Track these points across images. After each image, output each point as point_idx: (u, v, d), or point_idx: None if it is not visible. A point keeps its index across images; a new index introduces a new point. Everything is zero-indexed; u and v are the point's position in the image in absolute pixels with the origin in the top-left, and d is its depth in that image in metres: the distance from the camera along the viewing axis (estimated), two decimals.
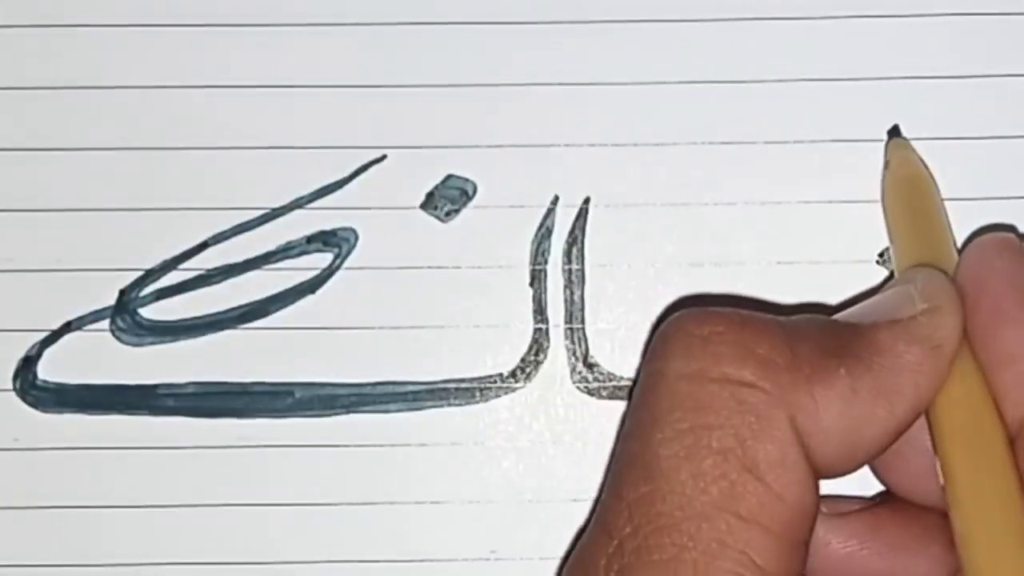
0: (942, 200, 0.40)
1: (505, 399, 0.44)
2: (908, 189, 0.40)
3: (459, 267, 0.44)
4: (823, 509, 0.36)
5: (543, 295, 0.44)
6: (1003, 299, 0.35)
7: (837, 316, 0.35)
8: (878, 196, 0.43)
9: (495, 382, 0.44)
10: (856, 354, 0.34)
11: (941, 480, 0.34)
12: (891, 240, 0.39)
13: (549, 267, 0.44)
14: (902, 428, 0.34)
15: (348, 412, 0.43)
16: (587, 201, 0.44)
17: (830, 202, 0.44)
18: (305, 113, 0.44)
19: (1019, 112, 0.44)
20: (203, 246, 0.44)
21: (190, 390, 0.43)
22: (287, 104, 0.44)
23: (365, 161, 0.44)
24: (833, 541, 0.37)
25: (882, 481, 0.37)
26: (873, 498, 0.38)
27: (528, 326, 0.43)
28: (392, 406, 0.43)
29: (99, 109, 0.44)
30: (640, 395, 0.34)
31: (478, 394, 0.44)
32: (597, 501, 0.34)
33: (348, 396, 0.43)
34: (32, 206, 0.44)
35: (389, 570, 0.43)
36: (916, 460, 0.36)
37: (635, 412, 0.34)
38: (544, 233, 0.44)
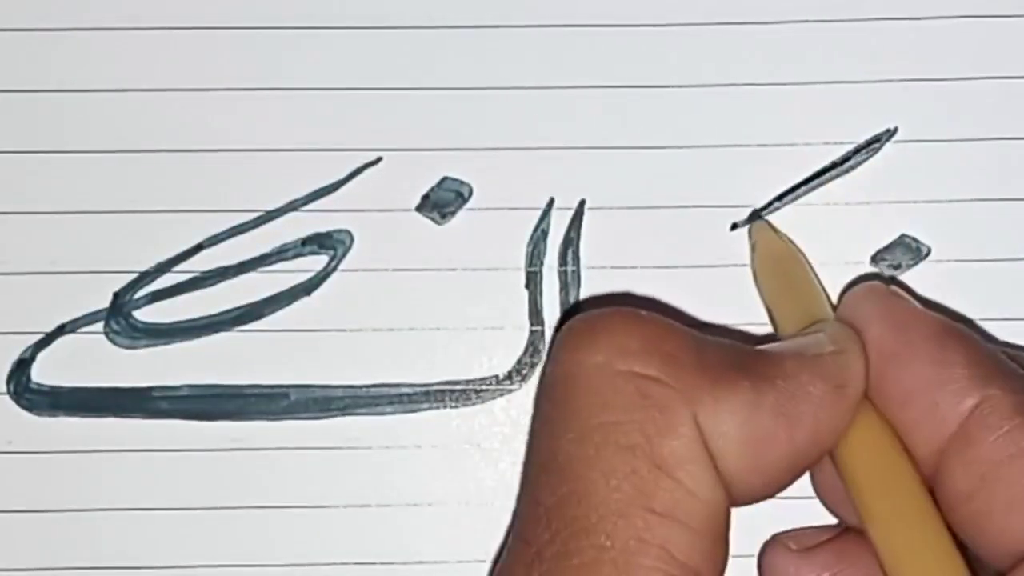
0: (811, 268, 0.41)
1: (501, 401, 0.43)
2: (777, 264, 0.41)
3: (454, 269, 0.44)
4: (791, 545, 0.36)
5: (539, 297, 0.44)
6: (887, 342, 0.35)
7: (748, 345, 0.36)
8: (873, 199, 0.43)
9: (491, 384, 0.43)
10: (762, 373, 0.34)
11: (861, 521, 0.34)
12: (768, 310, 0.40)
13: (545, 269, 0.44)
14: (802, 461, 0.34)
15: (344, 414, 0.43)
16: (582, 203, 0.44)
17: (824, 204, 0.43)
18: (300, 115, 0.44)
19: (1019, 112, 0.44)
20: (198, 248, 0.44)
21: (185, 393, 0.43)
22: (282, 106, 0.44)
23: (360, 163, 0.44)
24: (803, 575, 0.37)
25: (835, 515, 0.38)
26: (837, 526, 0.38)
27: (524, 328, 0.43)
28: (388, 408, 0.43)
29: (94, 112, 0.44)
30: (547, 391, 0.34)
31: (474, 396, 0.43)
32: (515, 510, 0.34)
33: (344, 398, 0.43)
34: (26, 208, 0.44)
35: (385, 572, 0.43)
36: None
37: (543, 410, 0.34)
38: (540, 235, 0.44)
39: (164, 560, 0.43)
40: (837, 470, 0.35)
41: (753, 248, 0.42)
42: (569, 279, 0.44)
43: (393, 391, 0.43)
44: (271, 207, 0.44)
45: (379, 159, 0.44)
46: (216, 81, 0.44)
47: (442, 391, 0.43)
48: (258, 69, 0.44)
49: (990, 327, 0.43)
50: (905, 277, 0.43)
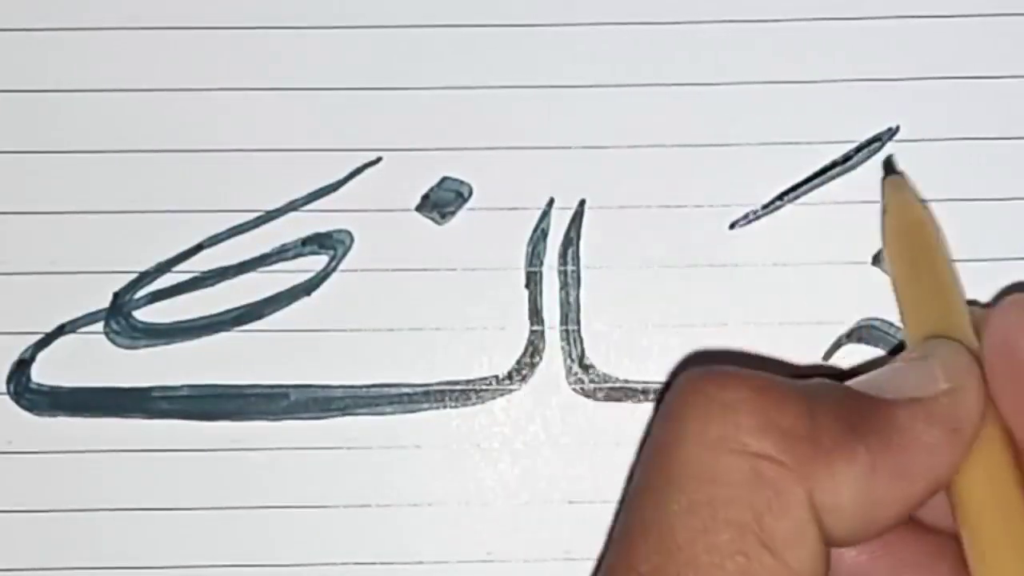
0: (946, 245, 0.39)
1: (501, 401, 0.43)
2: (911, 239, 0.39)
3: (454, 269, 0.44)
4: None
5: (539, 297, 0.43)
6: (998, 371, 0.34)
7: (856, 383, 0.35)
8: (874, 197, 0.43)
9: (491, 384, 0.43)
10: (876, 431, 0.33)
11: (968, 555, 0.34)
12: (897, 296, 0.38)
13: (545, 269, 0.44)
14: (918, 505, 0.34)
15: (344, 414, 0.43)
16: (582, 203, 0.44)
17: (826, 204, 0.43)
18: (300, 115, 0.44)
19: (1019, 112, 0.44)
20: (198, 248, 0.44)
21: (185, 393, 0.43)
22: (282, 106, 0.44)
23: (360, 163, 0.44)
24: (846, 553, 0.36)
25: None
26: None
27: (524, 328, 0.43)
28: (388, 408, 0.43)
29: (94, 112, 0.44)
30: (655, 457, 0.33)
31: (474, 396, 0.43)
32: (601, 563, 0.34)
33: (344, 398, 0.43)
34: (26, 209, 0.44)
35: (385, 572, 0.43)
36: None
37: (648, 474, 0.33)
38: (539, 235, 0.43)
39: (164, 560, 0.43)
40: (948, 497, 0.35)
41: (884, 211, 0.40)
42: (569, 279, 0.44)
43: (393, 391, 0.43)
44: (271, 207, 0.44)
45: (379, 159, 0.44)
46: (216, 81, 0.44)
47: (442, 391, 0.43)
48: (258, 69, 0.44)
49: None
50: None
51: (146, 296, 0.44)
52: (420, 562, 0.43)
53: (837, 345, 0.43)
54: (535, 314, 0.43)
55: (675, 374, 0.40)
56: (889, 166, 0.43)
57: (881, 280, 0.43)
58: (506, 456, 0.43)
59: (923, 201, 0.40)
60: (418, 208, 0.44)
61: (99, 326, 0.43)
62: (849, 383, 0.35)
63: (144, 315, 0.44)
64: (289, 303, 0.44)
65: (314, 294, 0.44)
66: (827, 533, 0.33)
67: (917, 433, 0.33)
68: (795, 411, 0.33)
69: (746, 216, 0.44)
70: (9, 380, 0.43)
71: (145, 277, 0.44)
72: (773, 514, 0.32)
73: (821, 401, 0.34)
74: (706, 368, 0.34)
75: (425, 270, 0.43)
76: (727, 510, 0.32)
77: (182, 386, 0.43)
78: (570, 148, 0.44)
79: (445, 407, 0.43)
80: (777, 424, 0.33)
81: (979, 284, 0.43)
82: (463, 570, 0.43)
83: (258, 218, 0.44)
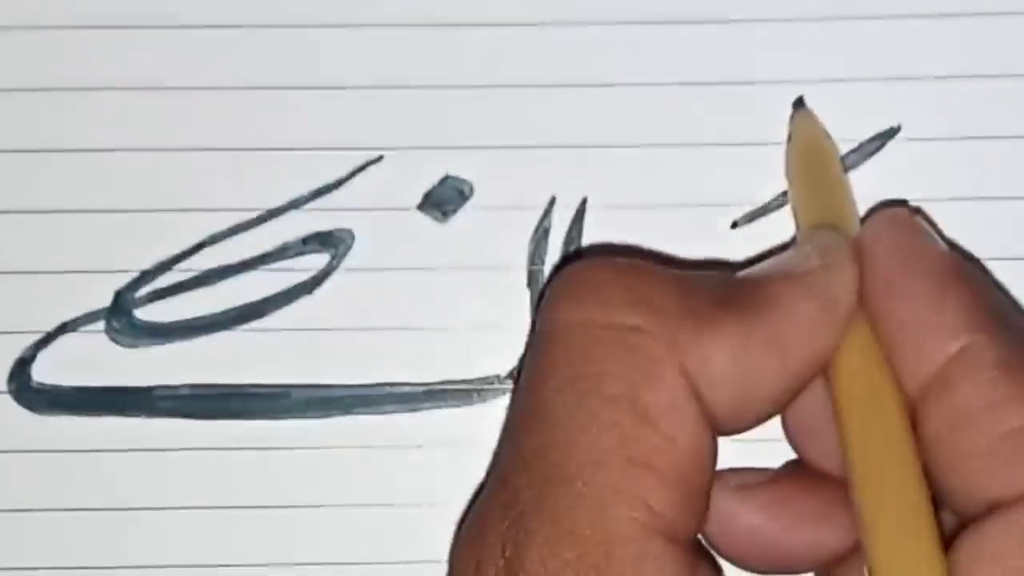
0: (843, 169, 0.41)
1: (503, 400, 0.43)
2: (809, 157, 0.40)
3: (456, 268, 0.44)
4: (730, 483, 0.36)
5: (540, 296, 0.43)
6: (888, 269, 0.35)
7: (735, 274, 0.35)
8: (876, 198, 0.43)
9: (493, 383, 0.43)
10: (749, 305, 0.34)
11: (840, 450, 0.34)
12: (793, 208, 0.40)
13: (547, 268, 0.44)
14: (796, 384, 0.34)
15: (345, 414, 0.43)
16: (584, 202, 0.44)
17: None
18: (302, 114, 0.44)
19: (1019, 112, 0.44)
20: (199, 247, 0.44)
21: (186, 392, 0.43)
22: (284, 105, 0.44)
23: (362, 162, 0.44)
24: (740, 514, 0.36)
25: (794, 448, 0.37)
26: (780, 469, 0.38)
27: (525, 327, 0.43)
28: (389, 407, 0.43)
29: (95, 110, 0.44)
30: (533, 344, 0.34)
31: (476, 395, 0.43)
32: (495, 454, 0.35)
33: (345, 397, 0.43)
34: (27, 207, 0.44)
35: (387, 572, 0.43)
36: (824, 428, 0.36)
37: (529, 361, 0.34)
38: (541, 234, 0.44)
39: (166, 559, 0.43)
40: (826, 387, 0.35)
41: (789, 137, 0.42)
42: None
43: (395, 390, 0.43)
44: (272, 206, 0.44)
45: (380, 157, 0.44)
46: (218, 80, 0.44)
47: (444, 390, 0.43)
48: (258, 68, 0.44)
49: None
50: None
51: (147, 295, 0.44)
52: (423, 561, 0.43)
53: None
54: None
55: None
56: (799, 103, 0.43)
57: None
58: None
59: (826, 130, 0.42)
60: (420, 207, 0.44)
61: (100, 325, 0.43)
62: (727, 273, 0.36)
63: (145, 314, 0.44)
64: (291, 302, 0.44)
65: (316, 293, 0.44)
66: (705, 406, 0.33)
67: (791, 305, 0.34)
68: (665, 288, 0.34)
69: (746, 216, 0.44)
70: (10, 379, 0.43)
71: (146, 276, 0.44)
72: (647, 385, 0.33)
73: (693, 281, 0.34)
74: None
75: (427, 269, 0.43)
76: (601, 384, 0.33)
77: (183, 385, 0.43)
78: (572, 147, 0.44)
79: (447, 406, 0.43)
80: (646, 299, 0.33)
81: None
82: None
83: (259, 217, 0.44)
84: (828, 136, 0.41)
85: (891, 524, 0.33)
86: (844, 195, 0.39)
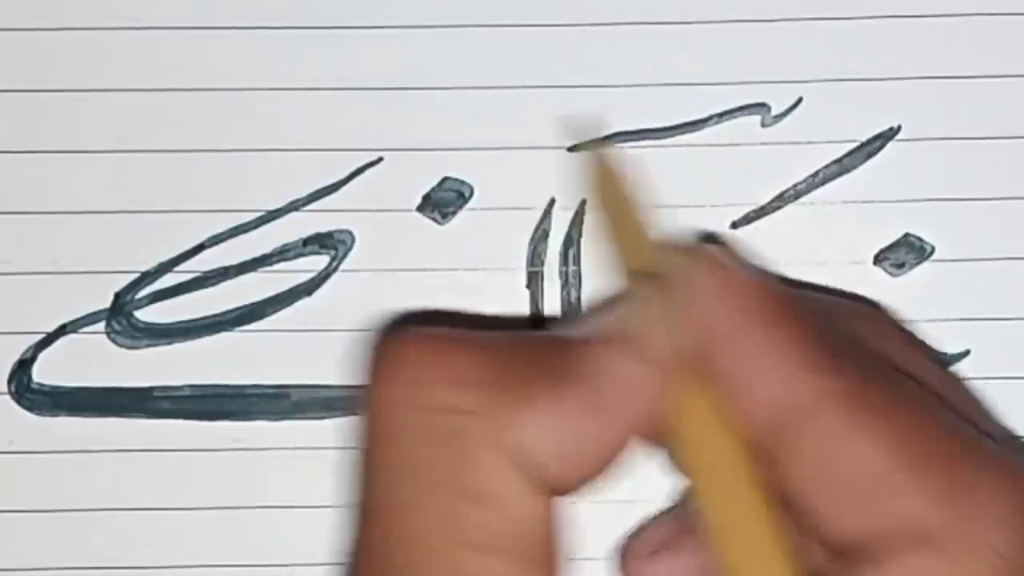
0: (637, 200, 0.37)
1: None
2: (603, 205, 0.37)
3: (456, 269, 0.44)
4: (640, 552, 0.36)
5: (540, 297, 0.43)
6: (713, 319, 0.33)
7: (554, 331, 0.35)
8: (876, 198, 0.43)
9: None
10: (566, 368, 0.33)
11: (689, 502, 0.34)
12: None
13: (546, 269, 0.44)
14: (625, 443, 0.33)
15: (345, 414, 0.43)
16: (583, 203, 0.44)
17: (826, 203, 0.43)
18: (301, 115, 0.44)
19: (1019, 112, 0.44)
20: (199, 248, 0.44)
21: (186, 393, 0.43)
22: (283, 106, 0.44)
23: (361, 163, 0.44)
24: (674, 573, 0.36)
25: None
26: (680, 506, 0.37)
27: (525, 328, 0.43)
28: None
29: (95, 111, 0.44)
30: (359, 431, 0.33)
31: None
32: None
33: (345, 398, 0.43)
34: (27, 208, 0.44)
35: None
36: None
37: (358, 446, 0.33)
38: (541, 235, 0.44)
39: (164, 560, 0.43)
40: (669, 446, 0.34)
41: (587, 180, 0.38)
42: (570, 279, 0.44)
43: None
44: (272, 207, 0.44)
45: (380, 159, 0.44)
46: (216, 81, 0.44)
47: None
48: (258, 69, 0.44)
49: (993, 326, 0.43)
50: (909, 276, 0.43)
51: (147, 296, 0.44)
52: None
53: None
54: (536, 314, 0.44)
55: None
56: (573, 148, 0.43)
57: (882, 280, 0.43)
58: None
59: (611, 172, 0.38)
60: (419, 208, 0.44)
61: (101, 326, 0.43)
62: (547, 332, 0.35)
63: (145, 315, 0.44)
64: (291, 303, 0.44)
65: (315, 294, 0.44)
66: (533, 474, 0.32)
67: (607, 368, 0.33)
68: (478, 360, 0.33)
69: (746, 216, 0.44)
70: (10, 380, 0.43)
71: (146, 277, 0.44)
72: (466, 465, 0.32)
73: (508, 347, 0.33)
74: (393, 332, 0.34)
75: (426, 270, 0.43)
76: (421, 472, 0.32)
77: (183, 386, 0.43)
78: (572, 147, 0.44)
79: None
80: (460, 375, 0.32)
81: (983, 283, 0.43)
82: None
83: (259, 218, 0.44)
84: (614, 176, 0.38)
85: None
86: (647, 239, 0.36)
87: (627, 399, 0.33)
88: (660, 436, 0.34)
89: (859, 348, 0.34)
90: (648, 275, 0.34)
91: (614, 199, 0.37)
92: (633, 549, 0.36)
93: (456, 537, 0.32)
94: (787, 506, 0.33)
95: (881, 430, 0.32)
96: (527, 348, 0.34)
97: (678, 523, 0.36)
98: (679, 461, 0.34)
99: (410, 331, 0.34)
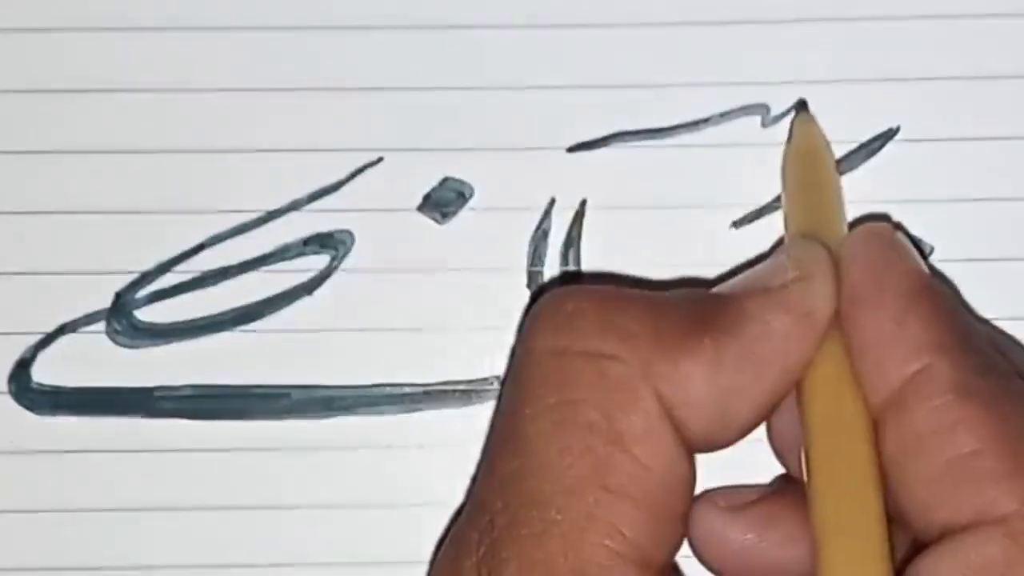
0: (839, 178, 0.40)
1: None
2: (805, 162, 0.40)
3: (456, 269, 0.44)
4: (719, 503, 0.36)
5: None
6: (859, 286, 0.35)
7: (710, 290, 0.35)
8: (875, 198, 0.43)
9: (492, 384, 0.43)
10: (722, 323, 0.34)
11: (803, 463, 0.34)
12: (784, 212, 0.40)
13: (546, 269, 0.44)
14: (774, 399, 0.34)
15: (345, 414, 0.43)
16: (584, 203, 0.44)
17: None
18: (302, 115, 0.44)
19: (1019, 112, 0.44)
20: (199, 248, 0.44)
21: (186, 392, 0.43)
22: (284, 106, 0.44)
23: (362, 163, 0.44)
24: (731, 535, 0.36)
25: (780, 462, 0.37)
26: (770, 485, 0.38)
27: None
28: (389, 408, 0.43)
29: (95, 112, 0.44)
30: (510, 372, 0.35)
31: (475, 396, 0.43)
32: (473, 478, 0.35)
33: (345, 398, 0.43)
34: (27, 208, 0.44)
35: (387, 572, 0.43)
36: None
37: (506, 389, 0.35)
38: (541, 235, 0.44)
39: (167, 560, 0.43)
40: (797, 401, 0.35)
41: (788, 139, 0.42)
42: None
43: (393, 391, 0.43)
44: (272, 207, 0.44)
45: (380, 159, 0.44)
46: (216, 81, 0.44)
47: (443, 391, 0.43)
48: (258, 69, 0.44)
49: None
50: None
51: (147, 296, 0.44)
52: (420, 562, 0.43)
53: None
54: None
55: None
56: (802, 106, 0.43)
57: None
58: None
59: (827, 139, 0.41)
60: (419, 208, 0.44)
61: (100, 326, 0.43)
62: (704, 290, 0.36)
63: (145, 315, 0.44)
64: (291, 303, 0.44)
65: (315, 294, 0.44)
66: (682, 429, 0.33)
67: (765, 321, 0.34)
68: (637, 312, 0.34)
69: (746, 216, 0.44)
70: (10, 380, 0.43)
71: (146, 277, 0.44)
72: (620, 411, 0.33)
73: (666, 304, 0.34)
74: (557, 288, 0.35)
75: (426, 270, 0.44)
76: (575, 411, 0.33)
77: (183, 386, 0.43)
78: (572, 148, 0.44)
79: (447, 407, 0.43)
80: (619, 325, 0.34)
81: (979, 284, 0.43)
82: None
83: (259, 218, 0.44)
84: (827, 143, 0.41)
85: (843, 545, 0.32)
86: (835, 204, 0.39)
87: (782, 353, 0.34)
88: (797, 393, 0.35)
89: (987, 344, 0.35)
90: (820, 234, 0.36)
91: (809, 161, 0.40)
92: (711, 502, 0.36)
93: (597, 479, 0.32)
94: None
95: (984, 421, 0.33)
96: (685, 301, 0.35)
97: (762, 494, 0.37)
98: (803, 422, 0.34)
99: (573, 287, 0.35)
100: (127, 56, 0.44)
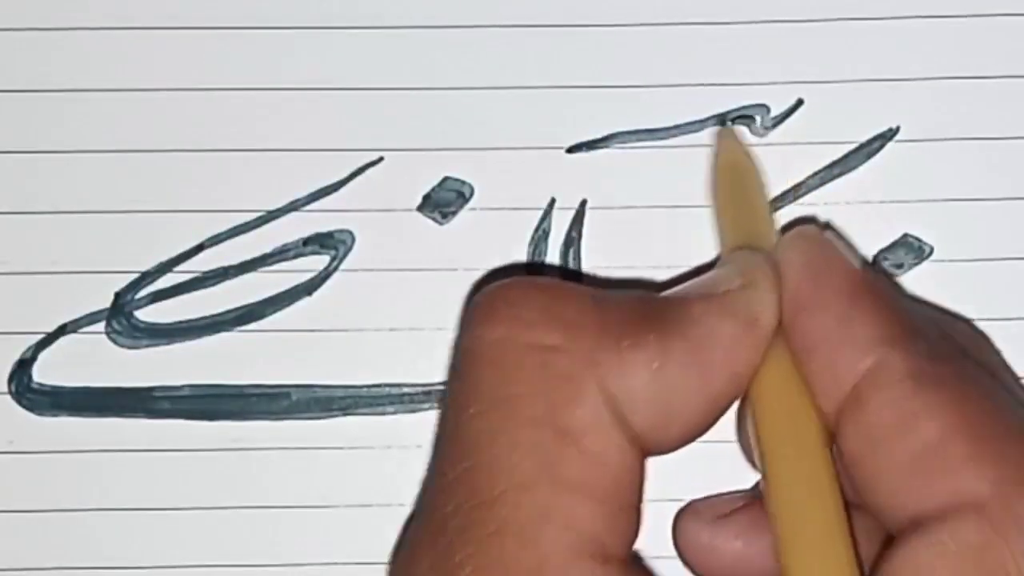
0: (765, 188, 0.40)
1: None
2: (731, 176, 0.40)
3: (456, 269, 0.44)
4: (704, 514, 0.36)
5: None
6: (799, 289, 0.34)
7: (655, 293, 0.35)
8: (875, 198, 0.43)
9: None
10: (668, 323, 0.33)
11: (759, 469, 0.34)
12: (716, 227, 0.39)
13: (546, 269, 0.44)
14: (719, 403, 0.34)
15: (345, 414, 0.43)
16: (584, 203, 0.44)
17: (826, 204, 0.43)
18: (302, 115, 0.44)
19: (1019, 112, 0.44)
20: (199, 248, 0.44)
21: (186, 393, 0.43)
22: (284, 106, 0.44)
23: (362, 163, 0.44)
24: (719, 544, 0.36)
25: (753, 467, 0.37)
26: (751, 490, 0.37)
27: None
28: (389, 408, 0.43)
29: (95, 112, 0.44)
30: (452, 368, 0.34)
31: None
32: (422, 482, 0.34)
33: (345, 398, 0.43)
34: (27, 208, 0.44)
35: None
36: None
37: (449, 386, 0.34)
38: (541, 235, 0.44)
39: (164, 560, 0.43)
40: (749, 410, 0.35)
41: (713, 154, 0.41)
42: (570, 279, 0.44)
43: (394, 391, 0.43)
44: (272, 207, 0.44)
45: (380, 159, 0.44)
46: (216, 81, 0.44)
47: (442, 391, 0.43)
48: (258, 69, 0.44)
49: (993, 326, 0.43)
50: (908, 276, 0.43)
51: (147, 296, 0.44)
52: None
53: None
54: None
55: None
56: (722, 122, 0.43)
57: None
58: None
59: (749, 148, 0.41)
60: (419, 208, 0.44)
61: (100, 326, 0.43)
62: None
63: (145, 315, 0.44)
64: (290, 303, 0.44)
65: (315, 294, 0.44)
66: (628, 425, 0.33)
67: (711, 325, 0.34)
68: (581, 304, 0.33)
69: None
70: (10, 380, 0.43)
71: (146, 277, 0.44)
72: (567, 404, 0.32)
73: (611, 297, 0.34)
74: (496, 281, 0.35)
75: (426, 270, 0.44)
76: (520, 406, 0.32)
77: (183, 386, 0.43)
78: (572, 148, 0.44)
79: None
80: (564, 316, 0.33)
81: (979, 284, 0.43)
82: None
83: (259, 218, 0.44)
84: (749, 155, 0.41)
85: (805, 550, 0.32)
86: (764, 214, 0.39)
87: (728, 357, 0.34)
88: (745, 405, 0.35)
89: (935, 329, 0.35)
90: (754, 245, 0.36)
91: (735, 175, 0.40)
92: (696, 512, 0.36)
93: (547, 474, 0.32)
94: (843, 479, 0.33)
95: (945, 406, 0.32)
96: (630, 299, 0.34)
97: (746, 500, 0.37)
98: (756, 428, 0.34)
99: (517, 278, 0.35)
100: (127, 56, 0.44)
